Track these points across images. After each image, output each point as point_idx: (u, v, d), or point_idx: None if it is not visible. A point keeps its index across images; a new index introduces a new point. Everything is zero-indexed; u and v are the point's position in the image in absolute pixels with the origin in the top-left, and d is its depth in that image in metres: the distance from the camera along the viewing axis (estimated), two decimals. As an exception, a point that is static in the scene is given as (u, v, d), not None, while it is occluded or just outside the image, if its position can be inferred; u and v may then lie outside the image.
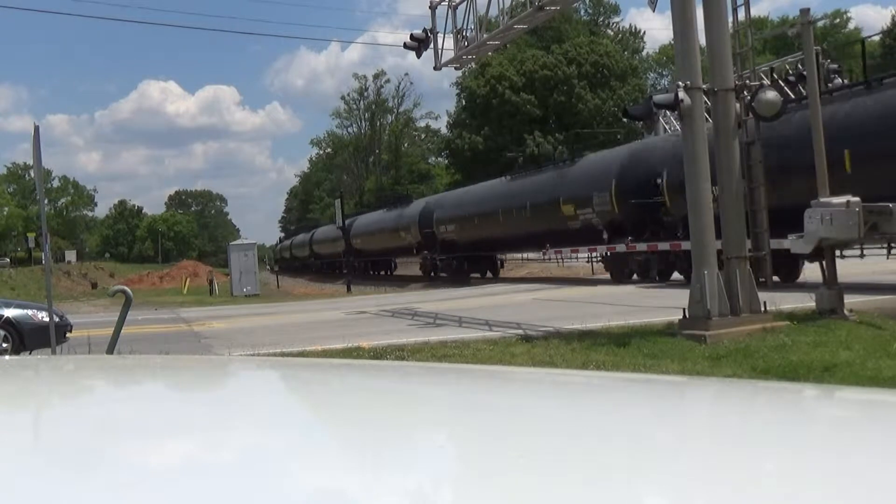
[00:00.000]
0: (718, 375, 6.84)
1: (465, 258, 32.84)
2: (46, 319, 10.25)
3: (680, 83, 9.44)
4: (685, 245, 15.95)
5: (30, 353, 10.61)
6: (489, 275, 33.41)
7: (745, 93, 9.91)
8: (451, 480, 0.77)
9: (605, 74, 56.50)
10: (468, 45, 14.78)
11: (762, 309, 9.61)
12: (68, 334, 11.56)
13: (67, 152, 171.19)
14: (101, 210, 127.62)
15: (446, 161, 68.04)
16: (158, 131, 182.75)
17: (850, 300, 10.56)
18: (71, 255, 78.04)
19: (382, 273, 48.04)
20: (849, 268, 11.81)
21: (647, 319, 10.86)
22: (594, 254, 24.46)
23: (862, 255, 12.45)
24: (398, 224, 37.88)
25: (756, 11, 37.84)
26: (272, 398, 1.35)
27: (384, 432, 0.96)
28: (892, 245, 12.60)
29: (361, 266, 47.71)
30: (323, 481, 0.75)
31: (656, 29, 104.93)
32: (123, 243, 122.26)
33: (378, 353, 9.26)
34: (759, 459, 0.82)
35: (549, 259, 29.93)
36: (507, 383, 1.46)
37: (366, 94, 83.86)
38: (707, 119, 10.37)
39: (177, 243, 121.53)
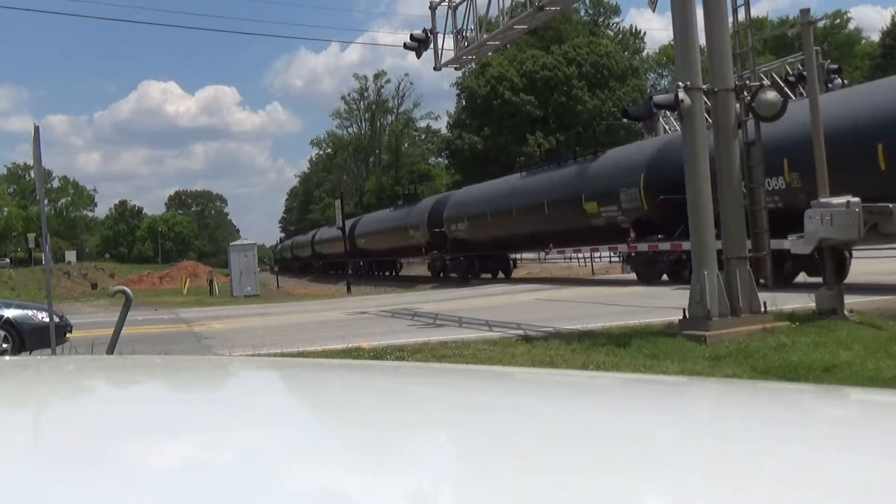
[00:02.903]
0: (718, 375, 6.84)
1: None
2: (46, 320, 10.25)
3: (680, 83, 9.44)
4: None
5: (30, 354, 10.61)
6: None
7: (745, 93, 9.91)
8: (451, 480, 0.77)
9: (605, 75, 56.51)
10: (468, 45, 14.77)
11: (762, 309, 9.61)
12: (68, 335, 11.56)
13: (67, 152, 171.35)
14: (102, 210, 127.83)
15: (446, 161, 68.04)
16: (158, 131, 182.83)
17: (850, 300, 10.55)
18: (71, 256, 78.00)
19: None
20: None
21: (647, 320, 10.86)
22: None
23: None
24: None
25: (756, 11, 37.84)
26: (272, 398, 1.35)
27: (384, 432, 0.96)
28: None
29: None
30: (323, 481, 0.75)
31: (656, 29, 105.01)
32: (123, 244, 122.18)
33: (378, 354, 9.26)
34: (759, 459, 0.82)
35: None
36: (507, 383, 1.46)
37: (366, 94, 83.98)
38: (707, 119, 10.37)
39: (177, 244, 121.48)
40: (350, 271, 48.03)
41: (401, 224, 38.66)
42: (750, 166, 10.32)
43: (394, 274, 47.41)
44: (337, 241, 45.80)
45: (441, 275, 34.27)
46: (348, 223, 47.38)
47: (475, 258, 31.84)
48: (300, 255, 71.33)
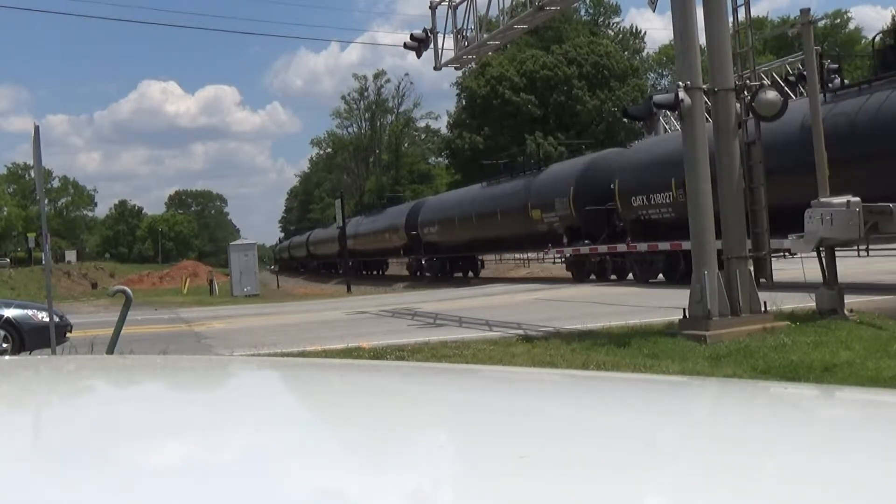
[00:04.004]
0: (718, 375, 6.84)
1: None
2: (46, 319, 10.25)
3: (680, 83, 9.44)
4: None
5: (30, 353, 10.61)
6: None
7: (745, 93, 9.91)
8: (451, 480, 0.77)
9: (605, 75, 56.49)
10: (468, 45, 14.78)
11: (762, 309, 9.61)
12: (68, 334, 11.56)
13: (67, 152, 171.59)
14: (101, 210, 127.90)
15: (446, 161, 68.03)
16: (158, 131, 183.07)
17: (850, 300, 10.55)
18: (71, 256, 78.05)
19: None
20: (849, 268, 11.80)
21: (647, 319, 10.85)
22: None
23: (867, 253, 12.26)
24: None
25: (756, 11, 37.80)
26: (272, 398, 1.35)
27: (384, 432, 0.96)
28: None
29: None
30: (323, 481, 0.75)
31: (656, 29, 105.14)
32: (123, 243, 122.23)
33: (378, 354, 9.26)
34: (759, 459, 0.82)
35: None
36: (507, 383, 1.46)
37: (366, 94, 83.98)
38: (707, 119, 10.37)
39: (177, 243, 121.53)
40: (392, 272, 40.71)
41: (511, 205, 26.88)
42: (750, 166, 10.32)
43: (472, 275, 35.55)
44: (390, 232, 38.56)
45: (592, 276, 23.40)
46: (405, 208, 39.79)
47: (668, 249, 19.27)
48: (319, 252, 59.38)
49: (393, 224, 39.43)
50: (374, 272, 47.37)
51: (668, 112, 11.07)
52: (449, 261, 35.43)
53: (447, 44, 15.18)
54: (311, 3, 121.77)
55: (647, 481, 0.74)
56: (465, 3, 14.70)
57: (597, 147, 35.44)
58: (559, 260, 28.16)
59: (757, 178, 10.32)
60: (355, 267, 47.46)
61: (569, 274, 25.26)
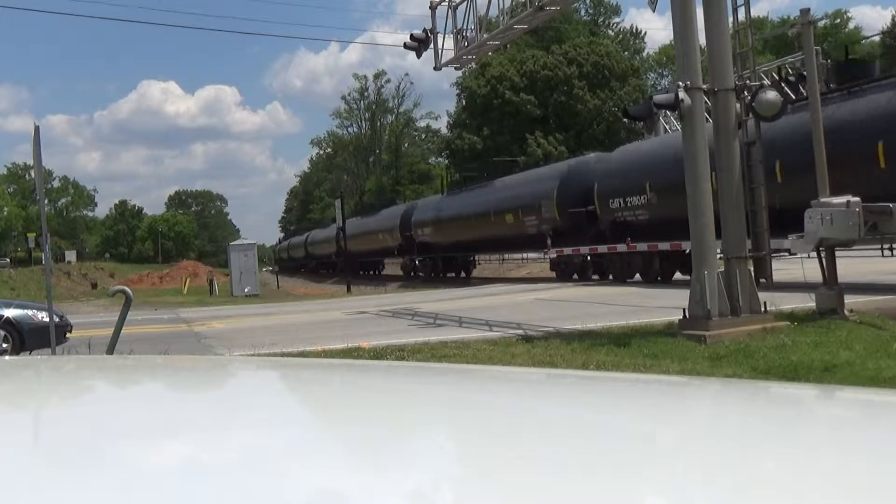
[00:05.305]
0: (718, 375, 6.84)
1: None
2: (46, 319, 10.24)
3: (680, 83, 9.44)
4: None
5: (30, 353, 10.60)
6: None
7: (745, 93, 9.91)
8: (451, 480, 0.77)
9: (605, 75, 56.52)
10: (468, 45, 14.77)
11: (762, 309, 9.61)
12: (68, 334, 11.55)
13: (67, 152, 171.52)
14: (101, 210, 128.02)
15: (446, 161, 68.05)
16: (158, 131, 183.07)
17: (850, 300, 10.55)
18: (71, 256, 78.04)
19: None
20: (849, 268, 11.79)
21: (647, 319, 10.85)
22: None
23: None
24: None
25: (756, 11, 37.78)
26: (272, 398, 1.35)
27: (384, 432, 0.96)
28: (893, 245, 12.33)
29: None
30: (323, 481, 0.75)
31: (656, 29, 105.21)
32: (123, 243, 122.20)
33: (378, 354, 9.26)
34: (759, 459, 0.82)
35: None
36: (507, 383, 1.46)
37: (366, 94, 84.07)
38: (707, 119, 10.37)
39: (177, 243, 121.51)
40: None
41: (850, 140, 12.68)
42: (750, 166, 10.32)
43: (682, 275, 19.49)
44: (522, 210, 25.35)
45: None
46: (553, 174, 25.67)
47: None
48: (356, 247, 42.29)
49: (535, 197, 24.96)
50: (456, 273, 34.69)
51: (669, 112, 11.06)
52: (656, 255, 19.61)
53: (447, 44, 15.19)
54: (311, 3, 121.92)
55: (647, 481, 0.74)
56: (465, 3, 14.70)
57: (598, 147, 35.08)
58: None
59: (757, 178, 10.32)
60: (428, 267, 36.08)
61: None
